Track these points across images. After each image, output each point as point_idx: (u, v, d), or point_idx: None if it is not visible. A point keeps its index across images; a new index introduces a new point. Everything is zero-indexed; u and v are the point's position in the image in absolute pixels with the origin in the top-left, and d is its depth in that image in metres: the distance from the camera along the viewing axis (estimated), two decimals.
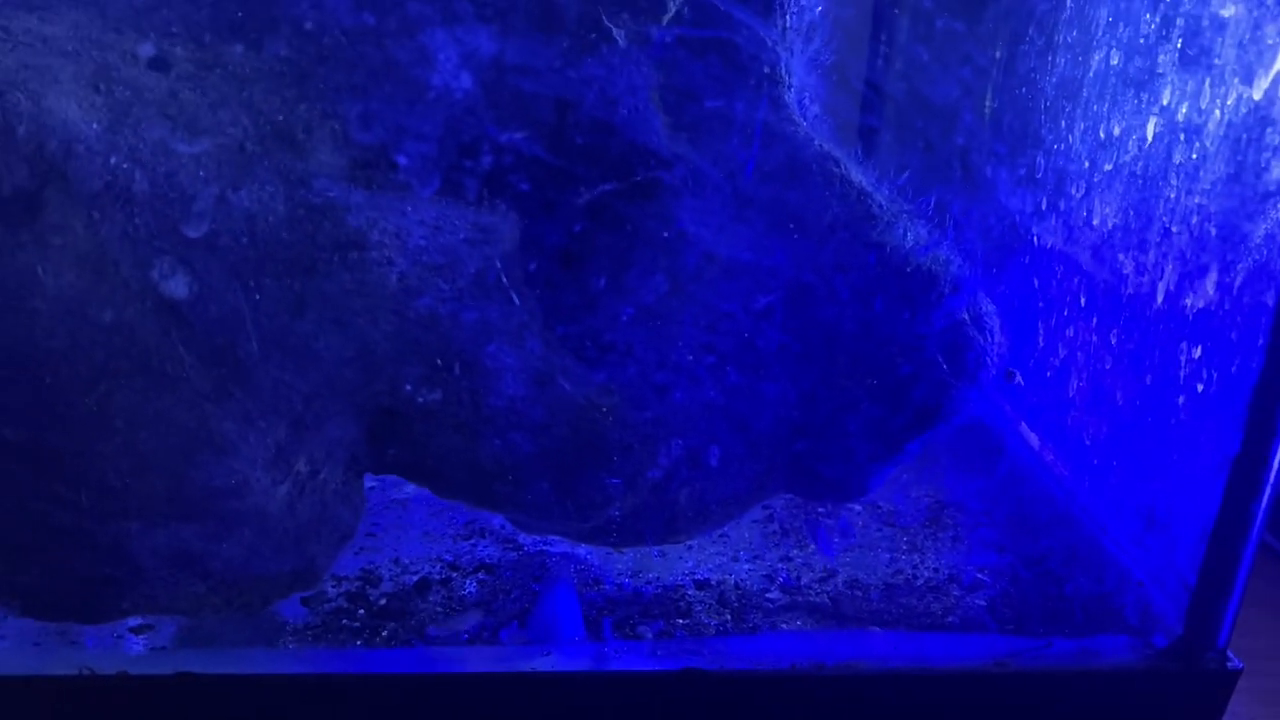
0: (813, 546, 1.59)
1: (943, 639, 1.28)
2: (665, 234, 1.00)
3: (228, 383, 1.20)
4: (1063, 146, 1.66)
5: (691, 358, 1.04)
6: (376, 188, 1.18)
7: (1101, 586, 1.39)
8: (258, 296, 1.14)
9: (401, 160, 0.99)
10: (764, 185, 1.01)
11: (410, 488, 1.74)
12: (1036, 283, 1.76)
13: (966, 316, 1.41)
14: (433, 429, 1.09)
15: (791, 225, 1.03)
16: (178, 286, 1.06)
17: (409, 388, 1.07)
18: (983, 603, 1.48)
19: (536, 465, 1.07)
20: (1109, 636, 1.25)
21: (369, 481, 1.76)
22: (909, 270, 1.30)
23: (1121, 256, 1.47)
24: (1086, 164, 1.59)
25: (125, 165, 1.13)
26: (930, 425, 1.17)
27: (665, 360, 1.04)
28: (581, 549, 1.55)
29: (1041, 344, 1.74)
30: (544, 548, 1.55)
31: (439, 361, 1.05)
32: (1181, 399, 1.32)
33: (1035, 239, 1.76)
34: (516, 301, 1.01)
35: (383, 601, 1.41)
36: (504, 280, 1.00)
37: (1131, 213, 1.47)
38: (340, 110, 1.03)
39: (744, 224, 1.01)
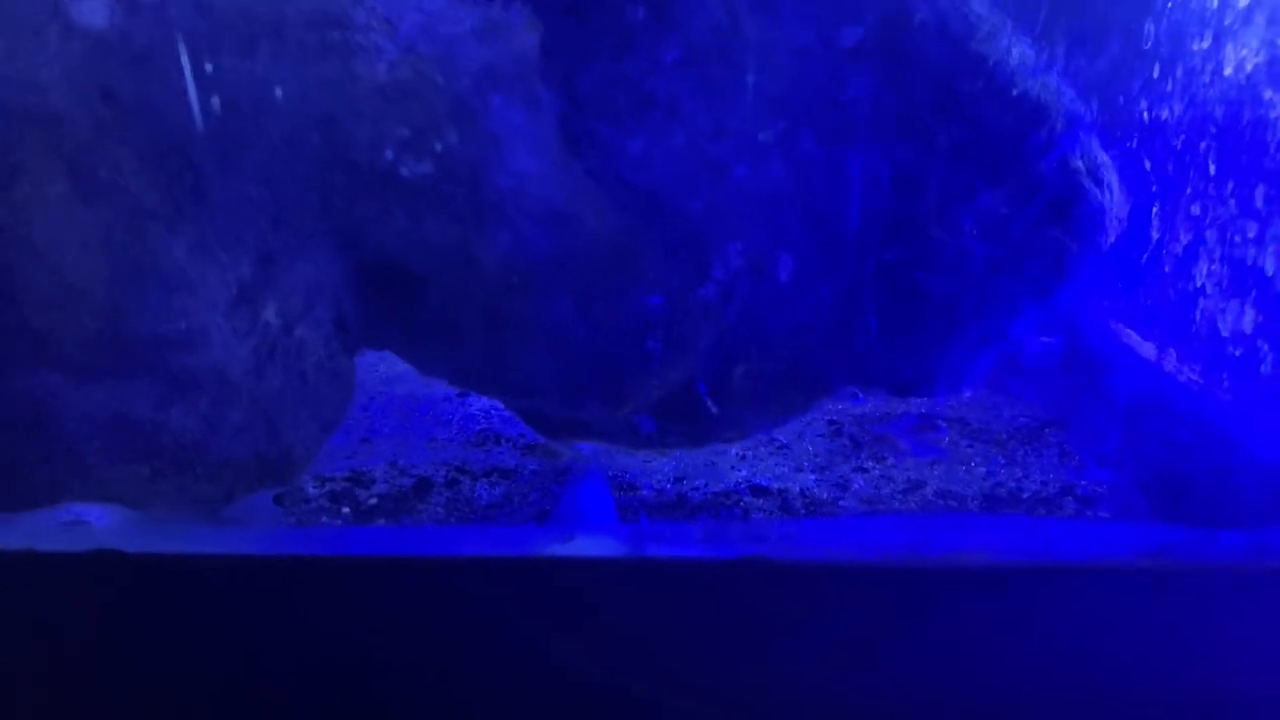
0: (890, 460, 1.33)
1: (1077, 527, 1.02)
2: None
3: (176, 194, 0.97)
4: None
5: (756, 119, 0.80)
6: None
7: (1262, 490, 1.11)
8: (212, 72, 0.92)
9: None
10: None
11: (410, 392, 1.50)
12: (1148, 164, 1.51)
13: (1081, 164, 1.16)
14: (421, 212, 0.85)
15: None
16: (95, 11, 0.83)
17: (390, 155, 0.84)
18: (1106, 515, 1.21)
19: (555, 272, 0.83)
20: None
21: (368, 394, 1.52)
22: (1014, 94, 1.05)
23: (1271, 94, 1.22)
24: (1215, 2, 1.34)
25: None
26: (1043, 216, 0.91)
27: (721, 124, 0.80)
28: (616, 461, 1.30)
29: (1156, 233, 1.48)
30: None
31: (427, 118, 0.81)
32: None
33: (1145, 112, 1.51)
34: (527, 40, 0.78)
35: (373, 501, 1.16)
36: (513, 7, 0.77)
37: None
38: None
39: None
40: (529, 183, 0.81)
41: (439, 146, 0.83)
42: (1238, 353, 1.26)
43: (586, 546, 0.93)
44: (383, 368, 1.54)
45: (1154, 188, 1.50)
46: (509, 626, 0.91)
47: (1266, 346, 1.21)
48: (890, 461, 1.31)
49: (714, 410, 0.90)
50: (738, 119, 0.80)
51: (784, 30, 0.79)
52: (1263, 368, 1.20)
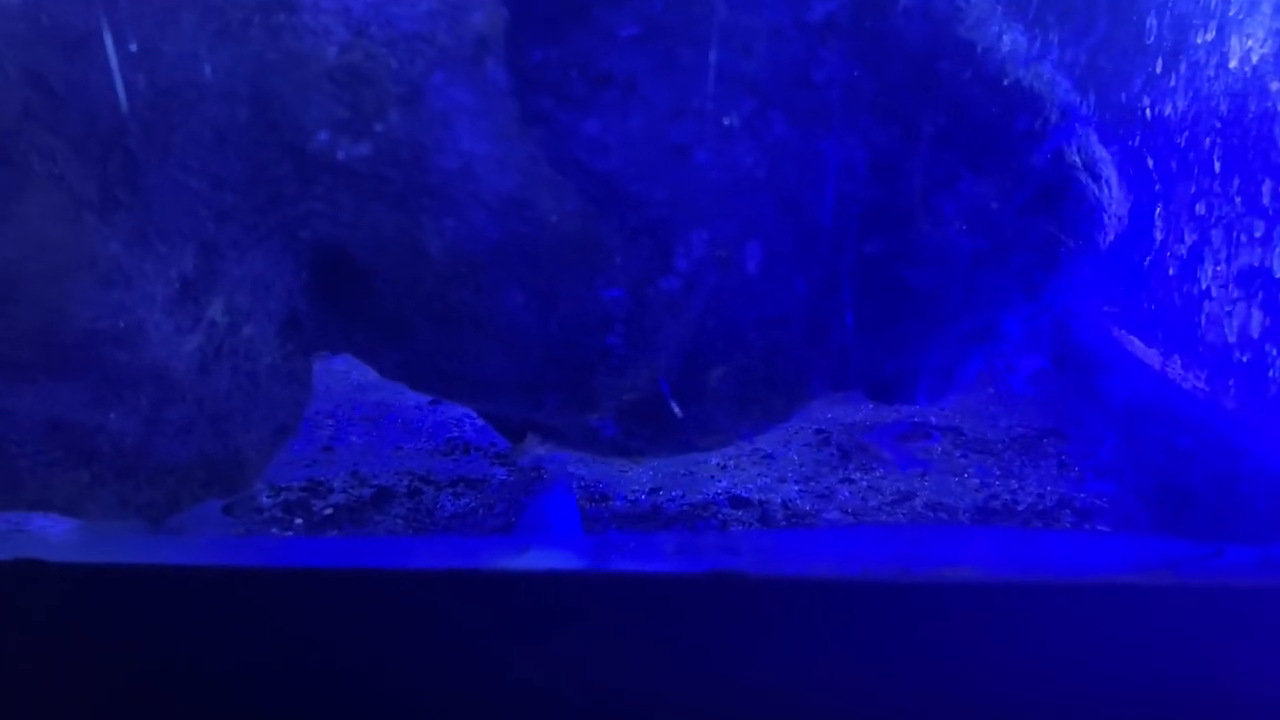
0: (878, 471, 1.26)
1: (1074, 540, 0.95)
2: None
3: (114, 185, 0.92)
4: None
5: (720, 100, 0.75)
6: None
7: (1273, 501, 1.05)
8: (150, 57, 0.87)
9: None
10: None
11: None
12: (1151, 161, 1.45)
13: (1078, 158, 1.10)
14: (374, 202, 0.79)
15: None
16: None
17: (324, 137, 0.78)
18: (1106, 529, 1.14)
19: (505, 263, 0.77)
20: None
21: (335, 401, 1.47)
22: (1005, 83, 1.00)
23: (1278, 86, 1.16)
24: None
25: None
26: (1037, 210, 0.85)
27: (683, 104, 0.74)
28: (590, 471, 1.23)
29: (1160, 234, 1.42)
30: (541, 465, 1.24)
31: (367, 98, 0.76)
32: None
33: (1148, 110, 1.45)
34: (484, 18, 0.72)
35: (328, 512, 1.10)
36: None
37: None
38: None
39: None
40: (481, 168, 0.75)
41: (391, 133, 0.77)
42: (1244, 358, 1.20)
43: (543, 559, 0.87)
44: (355, 374, 1.48)
45: (1157, 186, 1.43)
46: (457, 641, 0.84)
47: (1275, 351, 1.14)
48: (879, 473, 1.24)
49: (678, 413, 0.84)
50: (702, 99, 0.74)
51: (754, 3, 0.73)
52: (1270, 373, 1.14)
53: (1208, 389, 1.25)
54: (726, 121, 0.75)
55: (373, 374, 1.06)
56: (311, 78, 0.90)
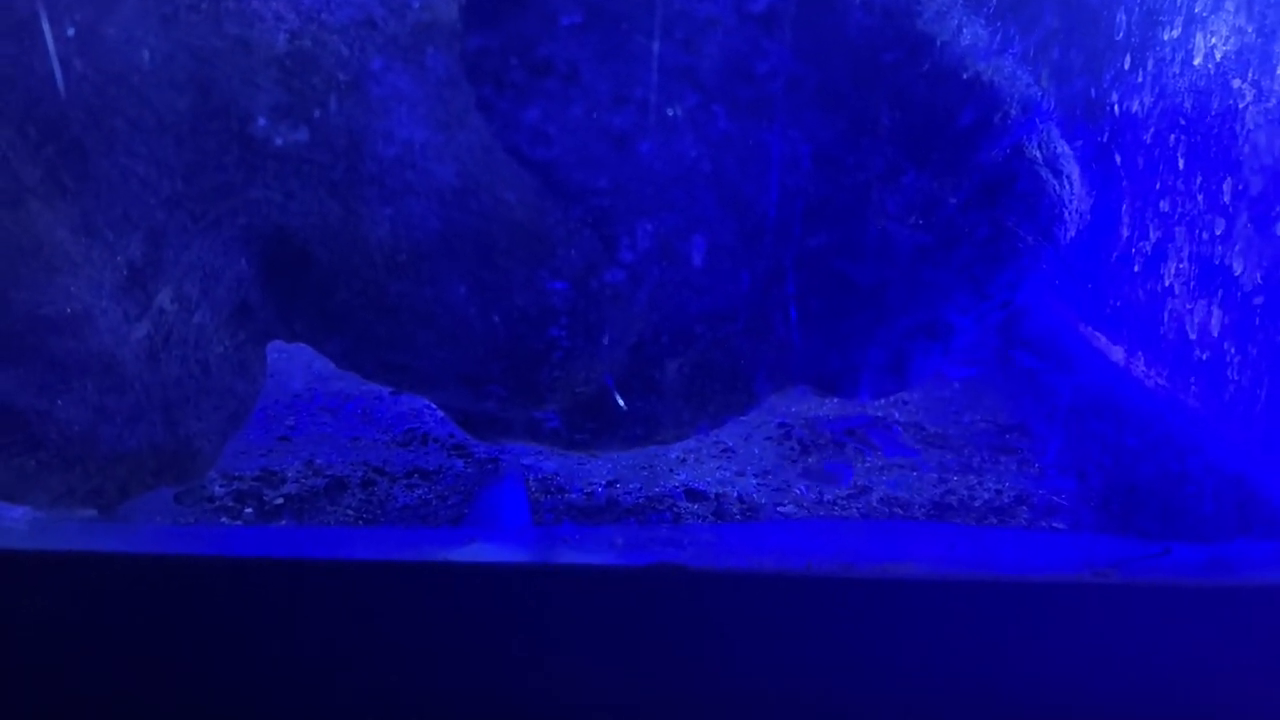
0: (865, 460, 1.26)
1: (1020, 538, 0.95)
2: None
3: (60, 171, 0.91)
4: None
5: (663, 91, 0.74)
6: None
7: (1224, 501, 1.05)
8: (96, 42, 0.86)
9: None
10: None
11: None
12: (1119, 158, 1.44)
13: (1038, 153, 1.10)
14: (308, 189, 0.78)
15: None
16: None
17: (263, 122, 0.77)
18: (1062, 527, 1.14)
19: (446, 253, 0.76)
20: (1248, 542, 0.91)
21: (294, 390, 1.46)
22: (965, 77, 0.99)
23: (1239, 83, 1.15)
24: None
25: None
26: (995, 205, 0.85)
27: (624, 93, 0.74)
28: (549, 463, 1.23)
29: (1126, 231, 1.42)
30: (500, 456, 1.23)
31: (305, 84, 0.75)
32: None
33: (1115, 107, 1.45)
34: (440, 7, 0.71)
35: (279, 502, 1.09)
36: None
37: (1251, 30, 1.15)
38: None
39: None
40: (420, 156, 0.74)
41: (329, 119, 0.77)
42: (1204, 356, 1.20)
43: (487, 552, 0.86)
44: (318, 364, 1.47)
45: (1124, 182, 1.43)
46: (399, 633, 0.84)
47: (1233, 349, 1.14)
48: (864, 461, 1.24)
49: (623, 407, 0.83)
50: (644, 90, 0.74)
51: None
52: (1229, 371, 1.14)
53: (1169, 386, 1.25)
54: (669, 113, 0.74)
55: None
56: (259, 64, 0.90)
